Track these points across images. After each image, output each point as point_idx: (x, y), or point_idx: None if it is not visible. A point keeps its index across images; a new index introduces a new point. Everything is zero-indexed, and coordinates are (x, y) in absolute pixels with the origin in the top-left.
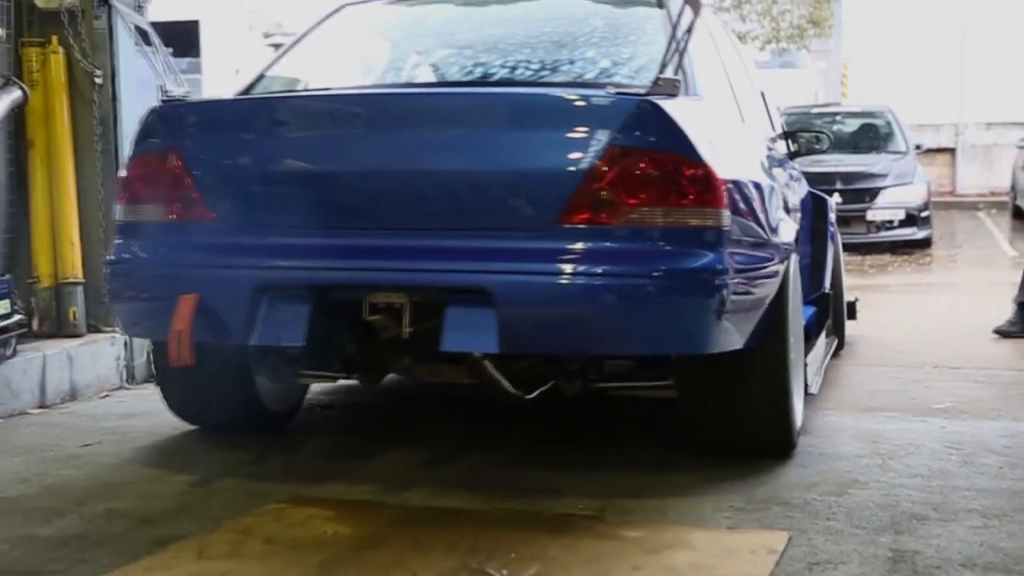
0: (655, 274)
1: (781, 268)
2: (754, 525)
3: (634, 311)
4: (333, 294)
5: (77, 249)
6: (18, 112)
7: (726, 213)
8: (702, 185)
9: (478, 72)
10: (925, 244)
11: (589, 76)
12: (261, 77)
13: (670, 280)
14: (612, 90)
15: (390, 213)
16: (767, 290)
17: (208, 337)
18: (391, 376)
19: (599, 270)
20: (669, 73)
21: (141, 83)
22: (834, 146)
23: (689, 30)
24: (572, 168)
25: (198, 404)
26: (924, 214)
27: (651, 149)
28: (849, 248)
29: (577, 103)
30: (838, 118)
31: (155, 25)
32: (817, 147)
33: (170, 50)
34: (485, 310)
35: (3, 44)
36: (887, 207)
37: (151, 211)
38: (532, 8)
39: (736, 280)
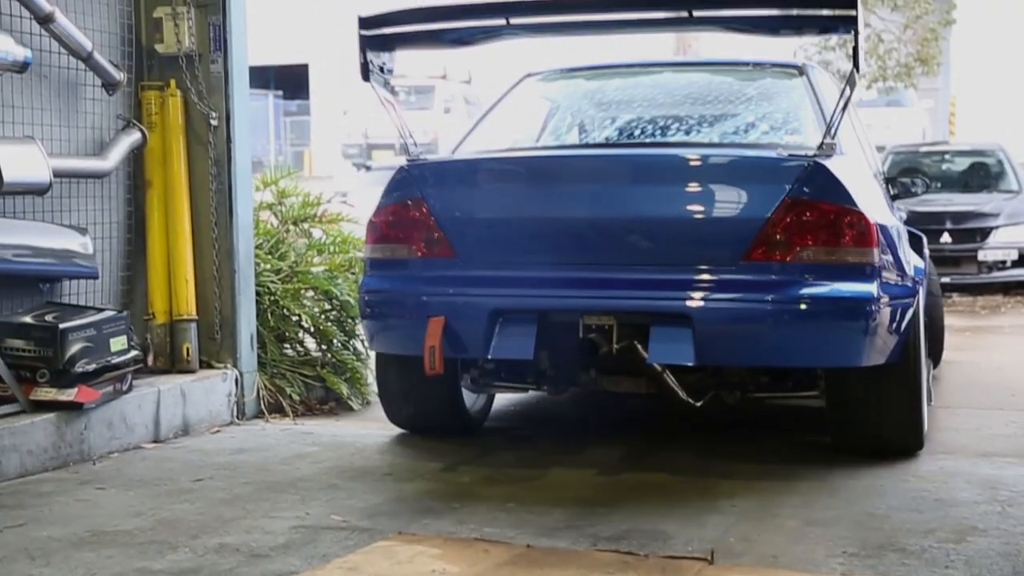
0: (819, 301)
1: (915, 297)
2: (869, 572)
3: (801, 330)
4: (553, 317)
5: (191, 287)
6: (137, 153)
7: (877, 251)
8: (858, 229)
9: (659, 135)
10: None
11: (752, 137)
12: (467, 137)
13: (831, 306)
14: (784, 152)
15: (602, 251)
16: (905, 314)
17: (453, 351)
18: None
19: (774, 297)
20: (828, 138)
21: (253, 125)
22: (943, 185)
23: (845, 106)
24: (754, 216)
25: (418, 412)
26: None
27: (819, 200)
28: (959, 289)
29: (760, 163)
30: (947, 156)
31: (267, 68)
32: (913, 190)
33: (280, 92)
34: (684, 330)
35: (124, 88)
36: (999, 247)
37: (400, 250)
38: (694, 79)
39: (883, 306)
